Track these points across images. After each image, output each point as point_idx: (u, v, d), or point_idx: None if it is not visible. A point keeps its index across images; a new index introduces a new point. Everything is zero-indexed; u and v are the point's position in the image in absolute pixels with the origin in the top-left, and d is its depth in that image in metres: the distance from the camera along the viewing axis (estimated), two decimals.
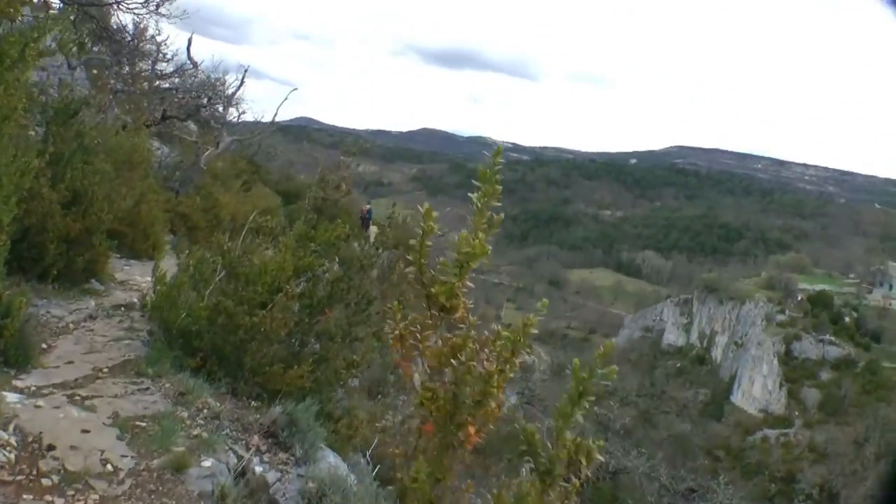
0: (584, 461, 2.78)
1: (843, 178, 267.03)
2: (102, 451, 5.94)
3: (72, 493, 5.47)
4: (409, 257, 3.04)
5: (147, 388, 7.51)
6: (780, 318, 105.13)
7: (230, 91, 28.40)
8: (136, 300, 10.75)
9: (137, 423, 6.61)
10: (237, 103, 28.92)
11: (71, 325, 9.43)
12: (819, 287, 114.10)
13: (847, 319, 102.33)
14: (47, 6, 20.11)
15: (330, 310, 8.95)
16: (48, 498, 5.35)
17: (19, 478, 5.44)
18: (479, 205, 2.98)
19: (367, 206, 37.76)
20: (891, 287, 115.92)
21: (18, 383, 6.95)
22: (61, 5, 21.08)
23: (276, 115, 29.26)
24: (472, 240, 2.96)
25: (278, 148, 47.80)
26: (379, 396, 15.54)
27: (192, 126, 30.03)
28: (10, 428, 5.88)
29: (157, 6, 21.74)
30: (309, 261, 8.82)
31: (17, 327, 7.19)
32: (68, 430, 6.15)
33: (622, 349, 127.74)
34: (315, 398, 8.13)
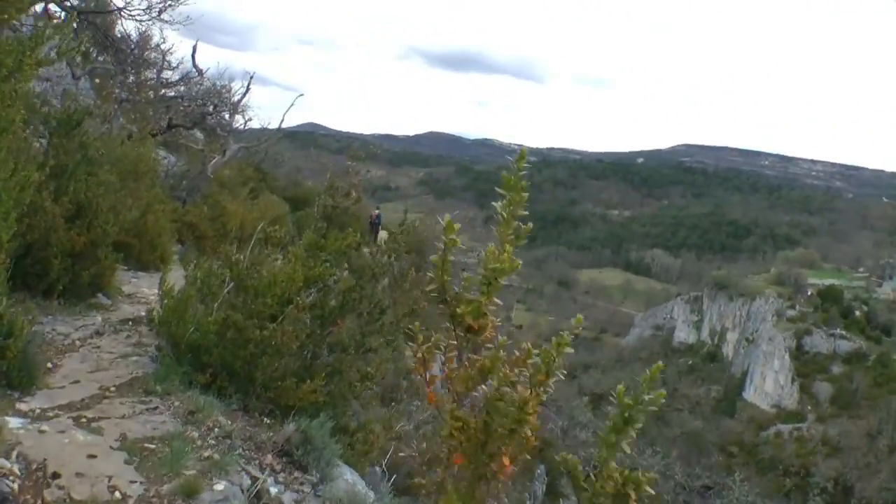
0: (632, 495, 2.55)
1: (851, 173, 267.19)
2: (110, 478, 5.70)
3: None
4: (430, 274, 2.81)
5: (156, 408, 7.27)
6: (791, 313, 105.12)
7: (236, 98, 28.29)
8: (143, 314, 10.49)
9: (146, 445, 6.36)
10: (243, 110, 28.85)
11: (77, 342, 9.18)
12: (829, 282, 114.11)
13: (857, 313, 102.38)
14: (49, 16, 20.01)
15: (342, 320, 8.73)
16: None
17: None
18: (505, 214, 2.74)
19: (377, 211, 37.66)
20: None
21: (22, 406, 6.71)
22: (63, 14, 20.92)
23: (282, 121, 29.13)
24: (499, 254, 2.73)
25: (285, 154, 47.68)
26: (392, 403, 15.31)
27: (199, 134, 29.93)
28: (14, 456, 5.64)
29: (160, 12, 21.56)
30: (320, 270, 8.60)
31: (20, 347, 6.95)
32: (74, 455, 5.90)
33: (633, 348, 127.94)
34: (329, 412, 7.91)
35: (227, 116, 28.57)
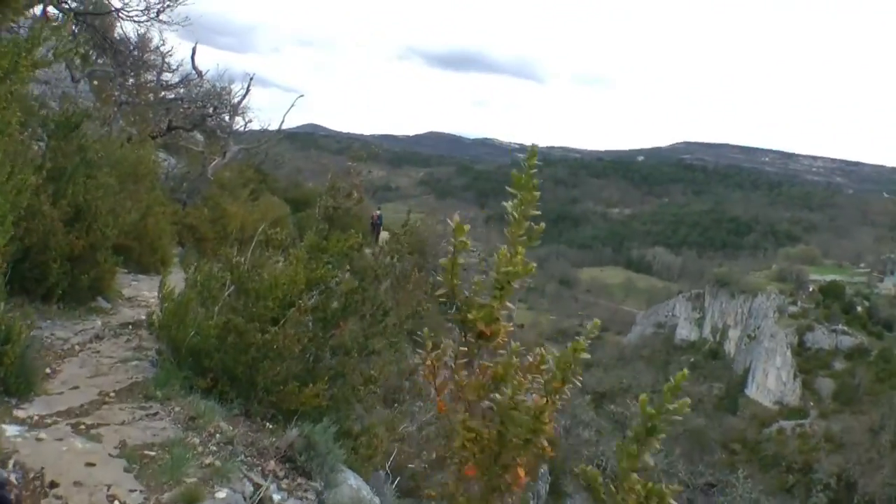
0: None
1: (851, 169, 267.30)
2: (109, 487, 5.57)
3: None
4: (438, 276, 2.68)
5: (156, 413, 7.15)
6: (792, 309, 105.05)
7: (236, 100, 28.20)
8: (144, 318, 10.38)
9: (146, 452, 6.24)
10: (243, 112, 28.75)
11: (76, 347, 9.08)
12: (830, 278, 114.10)
13: (859, 309, 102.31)
14: (47, 18, 19.90)
15: (345, 323, 8.61)
16: None
17: None
18: (516, 215, 2.62)
19: (378, 212, 37.57)
20: None
21: (20, 413, 6.58)
22: (61, 16, 20.83)
23: (282, 122, 29.09)
24: (511, 256, 2.60)
25: (286, 155, 47.65)
26: (395, 405, 15.19)
27: (199, 136, 29.83)
28: (10, 464, 5.52)
29: (158, 13, 21.45)
30: (322, 272, 8.48)
31: (18, 353, 6.83)
32: (72, 463, 5.78)
33: (635, 346, 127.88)
34: (332, 416, 7.80)
35: (227, 118, 28.48)
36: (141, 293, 13.01)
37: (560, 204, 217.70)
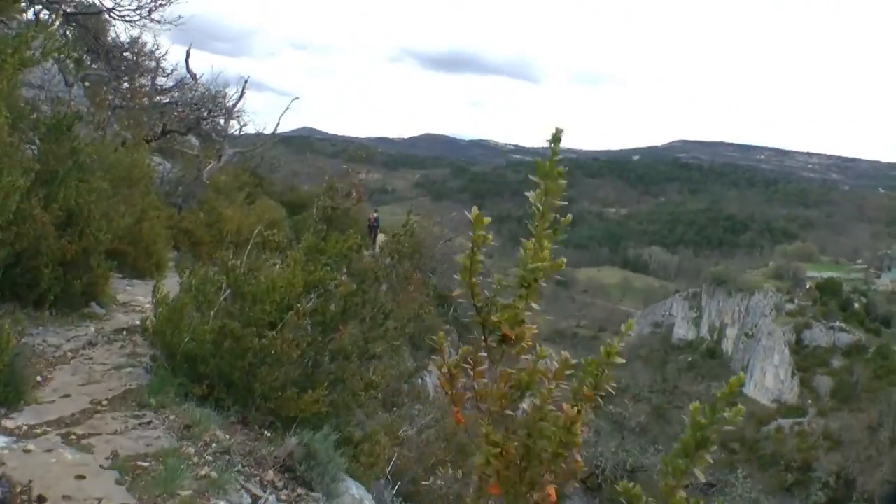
0: None
1: (847, 165, 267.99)
2: (99, 500, 5.33)
3: None
4: (457, 276, 2.44)
5: (150, 422, 6.93)
6: (790, 307, 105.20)
7: (231, 103, 28.05)
8: (138, 323, 10.17)
9: (139, 463, 6.01)
10: (238, 116, 28.63)
11: (69, 354, 8.90)
12: (827, 274, 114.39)
13: (856, 305, 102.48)
14: (38, 21, 19.72)
15: (344, 326, 8.40)
16: None
17: None
18: (540, 206, 2.37)
19: (375, 214, 37.45)
20: None
21: (9, 423, 6.35)
22: (50, 16, 20.66)
23: (277, 125, 28.99)
24: (538, 250, 2.36)
25: (281, 159, 47.62)
26: (394, 408, 15.03)
27: (194, 140, 29.74)
28: None
29: (150, 12, 21.25)
30: (320, 275, 8.26)
31: (7, 361, 6.60)
32: (61, 476, 5.55)
33: (632, 346, 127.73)
34: (332, 423, 7.58)
35: (222, 122, 28.30)
36: (136, 298, 12.85)
37: None
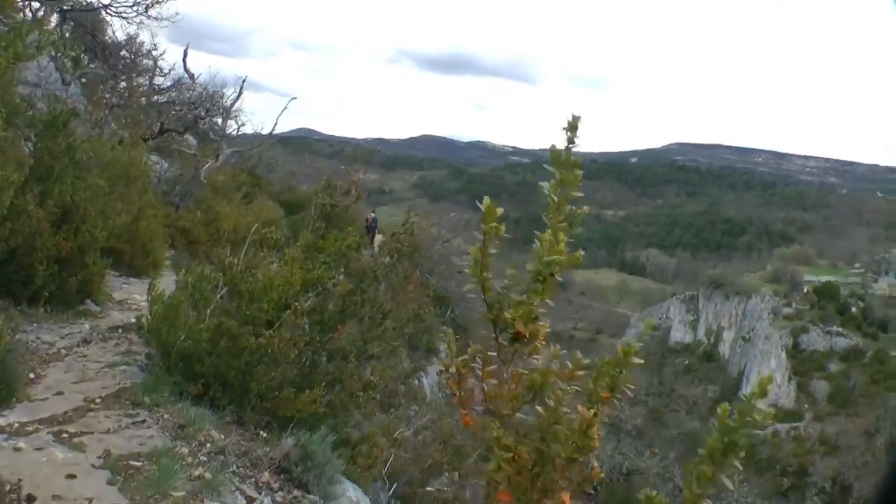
0: None
1: (845, 168, 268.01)
2: (90, 500, 5.22)
3: None
4: (468, 271, 2.31)
5: (143, 421, 6.82)
6: (787, 311, 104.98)
7: (228, 103, 28.01)
8: (134, 321, 10.10)
9: (131, 462, 5.91)
10: (236, 115, 28.64)
11: (63, 352, 8.85)
12: (824, 278, 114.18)
13: (854, 310, 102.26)
14: (35, 17, 19.65)
15: (342, 326, 8.29)
16: None
17: None
18: (556, 197, 2.24)
19: (373, 214, 37.40)
20: None
21: (0, 421, 6.24)
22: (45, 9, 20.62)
23: (275, 125, 28.97)
24: (555, 243, 2.23)
25: (279, 159, 47.60)
26: (391, 409, 14.93)
27: (191, 139, 29.71)
28: None
29: (147, 8, 21.16)
30: (318, 273, 8.14)
31: None
32: (51, 476, 5.44)
33: None
34: (329, 424, 7.47)
35: (219, 121, 28.29)
36: (132, 296, 12.83)
37: None
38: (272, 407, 7.73)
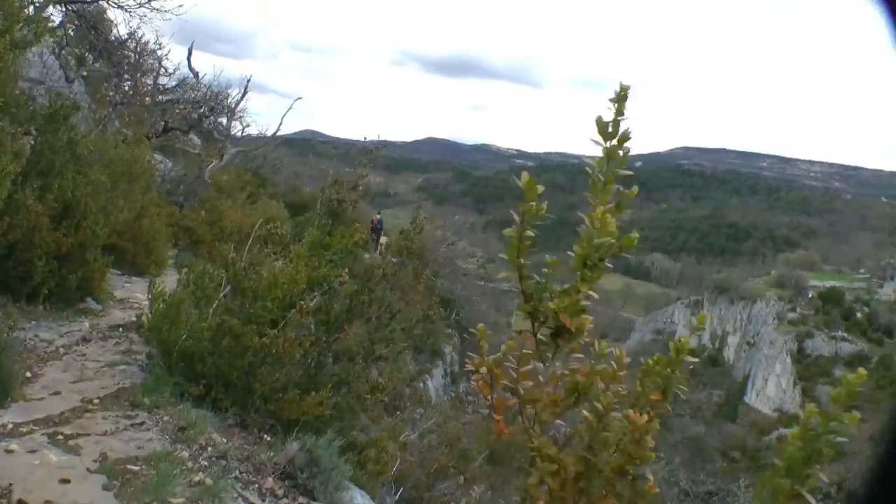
0: None
1: (849, 173, 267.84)
2: None
3: None
4: (504, 255, 2.05)
5: (142, 423, 6.62)
6: (792, 316, 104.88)
7: (233, 103, 27.93)
8: (135, 320, 9.91)
9: (129, 466, 5.72)
10: (241, 116, 28.57)
11: (61, 350, 8.72)
12: (829, 283, 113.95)
13: (859, 315, 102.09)
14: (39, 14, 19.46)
15: (349, 326, 8.06)
16: None
17: None
18: (601, 176, 1.98)
19: (378, 216, 37.20)
20: None
21: None
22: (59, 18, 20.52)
23: (280, 125, 28.87)
24: (604, 226, 1.96)
25: (284, 160, 47.61)
26: (397, 412, 14.74)
27: (196, 139, 29.67)
28: None
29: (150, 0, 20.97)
30: (324, 271, 7.92)
31: None
32: (44, 480, 5.23)
33: (633, 353, 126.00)
34: (336, 427, 7.25)
35: (224, 121, 28.21)
36: (134, 295, 12.70)
37: (558, 210, 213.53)
38: (276, 409, 7.58)
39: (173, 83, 27.20)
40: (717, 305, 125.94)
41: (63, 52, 21.09)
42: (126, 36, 24.83)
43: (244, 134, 30.35)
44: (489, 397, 2.07)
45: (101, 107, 21.29)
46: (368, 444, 8.45)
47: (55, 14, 20.26)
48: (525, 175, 1.96)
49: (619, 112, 1.98)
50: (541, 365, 2.09)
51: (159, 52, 26.02)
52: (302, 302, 7.76)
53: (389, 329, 8.44)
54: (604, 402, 1.94)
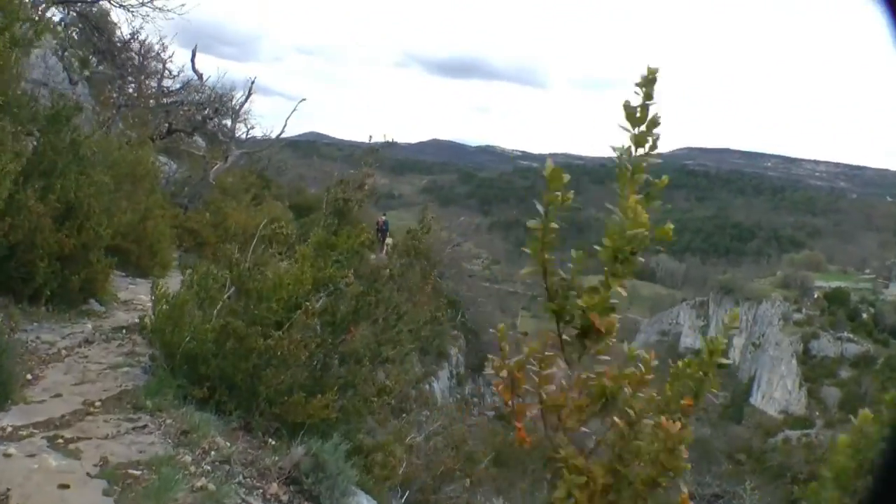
0: None
1: (854, 173, 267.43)
2: None
3: None
4: (528, 249, 1.92)
5: (144, 426, 6.52)
6: (797, 316, 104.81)
7: (237, 105, 27.90)
8: (138, 322, 9.81)
9: (130, 471, 5.62)
10: (245, 118, 28.55)
11: (63, 352, 8.66)
12: (835, 284, 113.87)
13: (864, 316, 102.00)
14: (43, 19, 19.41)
15: (355, 327, 7.95)
16: None
17: None
18: (629, 164, 1.85)
19: (383, 218, 37.21)
20: None
21: None
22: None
23: (284, 127, 28.77)
24: (637, 216, 1.83)
25: (288, 162, 47.66)
26: (403, 415, 14.65)
27: (200, 141, 29.68)
28: None
29: None
30: (330, 272, 7.80)
31: None
32: (42, 485, 5.14)
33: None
34: (342, 431, 7.13)
35: (228, 123, 28.21)
36: (137, 296, 12.66)
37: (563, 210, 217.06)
38: (281, 412, 7.47)
39: (177, 85, 27.22)
40: (723, 306, 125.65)
41: (66, 53, 21.02)
42: (129, 37, 24.81)
43: (249, 136, 30.30)
44: (510, 403, 1.94)
45: (104, 109, 21.27)
46: (375, 448, 8.34)
47: (56, 14, 20.20)
48: (549, 162, 1.83)
49: (648, 96, 1.86)
50: (560, 369, 1.95)
51: (163, 55, 26.04)
52: (307, 303, 7.66)
53: (396, 330, 8.34)
54: (636, 409, 1.80)
